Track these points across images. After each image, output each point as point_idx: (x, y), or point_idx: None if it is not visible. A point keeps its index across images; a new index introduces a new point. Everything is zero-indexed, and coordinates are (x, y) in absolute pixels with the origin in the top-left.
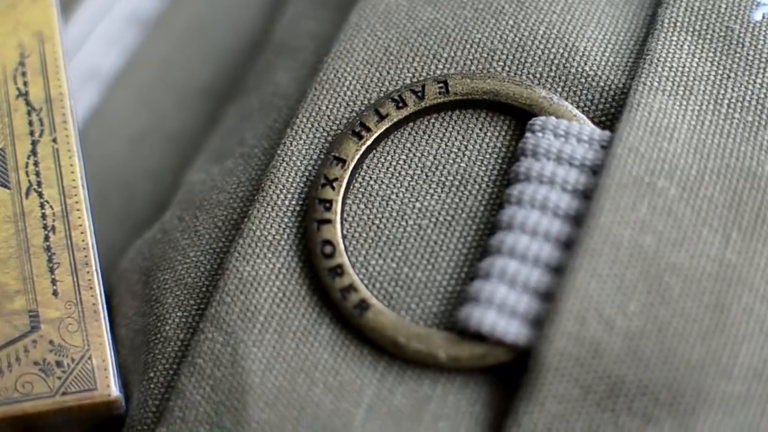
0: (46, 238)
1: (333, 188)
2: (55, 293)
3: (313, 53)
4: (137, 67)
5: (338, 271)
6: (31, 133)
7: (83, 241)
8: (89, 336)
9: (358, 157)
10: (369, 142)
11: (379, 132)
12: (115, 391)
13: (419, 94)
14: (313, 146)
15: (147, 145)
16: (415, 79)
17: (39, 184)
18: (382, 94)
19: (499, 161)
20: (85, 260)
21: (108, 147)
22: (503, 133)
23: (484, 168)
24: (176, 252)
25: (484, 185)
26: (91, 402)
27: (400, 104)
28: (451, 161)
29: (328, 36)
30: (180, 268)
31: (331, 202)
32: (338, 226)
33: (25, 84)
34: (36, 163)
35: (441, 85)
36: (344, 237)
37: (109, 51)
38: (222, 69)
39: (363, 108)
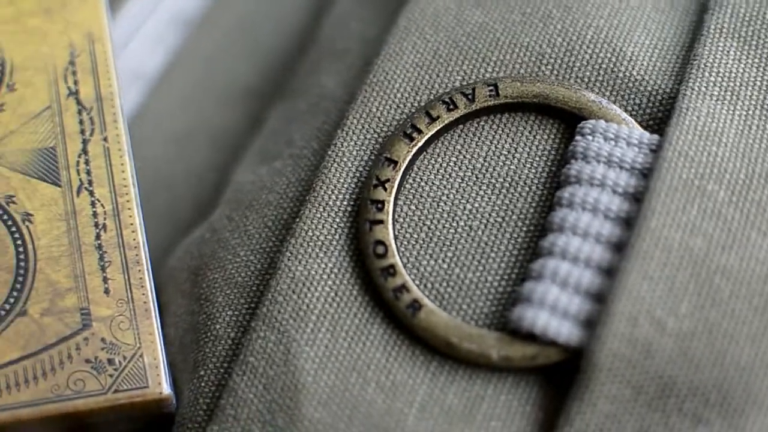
0: (98, 237)
1: (385, 189)
2: (106, 291)
3: (360, 55)
4: (181, 67)
5: (390, 271)
6: (82, 131)
7: (134, 239)
8: (141, 334)
9: (409, 158)
10: (420, 144)
11: (430, 134)
12: (166, 388)
13: (470, 96)
14: (363, 147)
15: (190, 145)
16: (464, 82)
17: (90, 182)
18: (431, 97)
19: (549, 164)
20: (136, 258)
21: (152, 147)
22: (552, 136)
23: (533, 170)
24: (226, 251)
25: (533, 187)
26: (143, 400)
27: (451, 106)
28: (500, 163)
29: (375, 38)
30: (230, 267)
31: (383, 202)
32: (390, 226)
33: (76, 83)
34: (87, 162)
35: (491, 87)
36: (395, 237)
37: (154, 51)
38: (265, 69)
39: (413, 110)
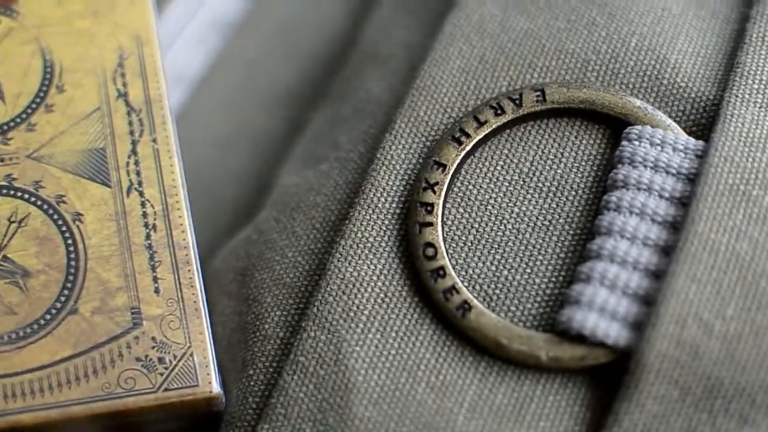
0: (148, 237)
1: (434, 192)
2: (156, 291)
3: (405, 60)
4: (222, 70)
5: (440, 272)
6: (131, 133)
7: (184, 239)
8: (191, 333)
9: (458, 162)
10: (468, 148)
11: (478, 138)
12: (216, 387)
13: (517, 101)
14: (411, 151)
15: (231, 148)
16: (510, 88)
17: (140, 183)
18: (478, 102)
19: (594, 168)
20: (186, 258)
21: (192, 149)
22: (598, 141)
23: (579, 174)
24: (274, 252)
25: (580, 191)
26: (193, 398)
27: (499, 111)
28: (547, 168)
29: (419, 43)
30: (278, 268)
31: (432, 205)
32: (439, 229)
33: (125, 85)
34: (137, 163)
35: (538, 93)
36: (444, 240)
37: (195, 54)
38: (305, 72)
39: (460, 114)
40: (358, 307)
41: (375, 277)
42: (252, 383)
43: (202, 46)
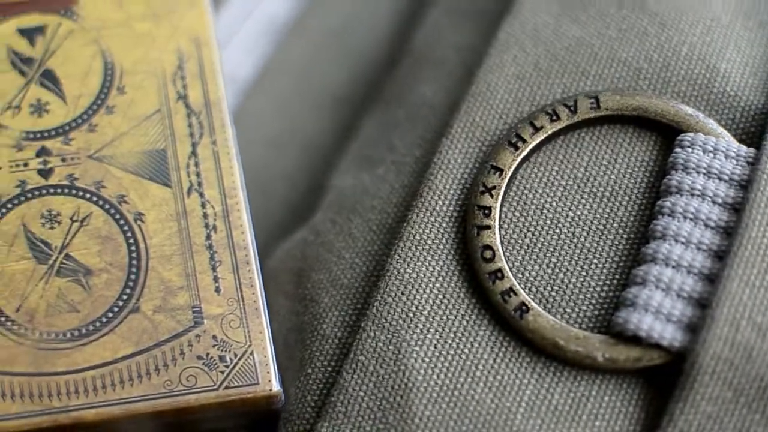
0: (208, 237)
1: (491, 196)
2: (217, 290)
3: (458, 65)
4: (274, 72)
5: (498, 275)
6: (191, 135)
7: (243, 240)
8: (251, 332)
9: (514, 166)
10: (524, 153)
11: (533, 143)
12: (276, 386)
13: (572, 108)
14: (467, 155)
15: (283, 149)
16: (564, 94)
17: (200, 184)
18: (533, 108)
19: (647, 174)
20: (246, 259)
21: (245, 151)
22: (650, 148)
23: (632, 180)
24: (331, 254)
25: (633, 196)
26: (253, 396)
27: (554, 117)
28: (601, 173)
29: (472, 48)
30: (335, 268)
31: (490, 209)
32: (497, 232)
33: (184, 87)
34: (197, 164)
35: (592, 100)
36: (501, 242)
37: (247, 57)
38: (354, 76)
39: (515, 120)
40: (417, 308)
41: (433, 279)
42: (310, 382)
43: (254, 48)
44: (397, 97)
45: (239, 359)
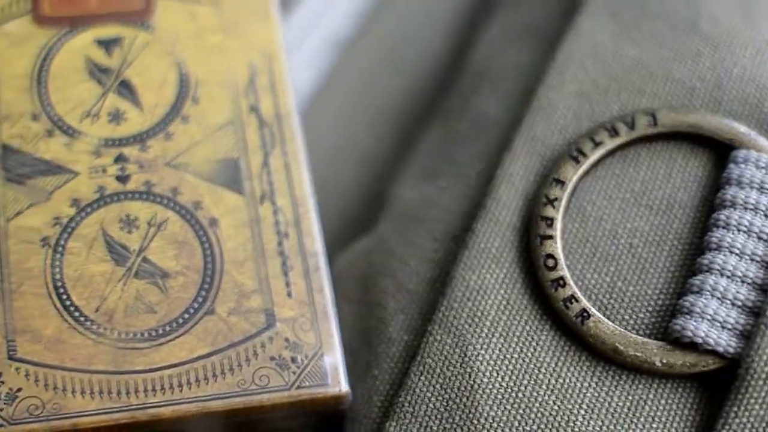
0: (280, 243)
1: (553, 207)
2: (289, 294)
3: (517, 81)
4: (332, 87)
5: (560, 282)
6: (263, 145)
7: (314, 247)
8: (321, 335)
9: (575, 179)
10: (585, 167)
11: (593, 157)
12: (345, 386)
13: (630, 124)
14: (529, 168)
15: (341, 161)
16: (622, 111)
17: (272, 193)
18: (592, 123)
19: (701, 188)
20: (316, 265)
21: None
22: (704, 164)
23: (687, 194)
24: (395, 261)
25: (687, 210)
26: (323, 396)
27: (613, 133)
28: (657, 187)
29: (530, 65)
30: (400, 276)
31: (552, 219)
32: (558, 241)
33: (256, 100)
34: (269, 174)
35: (650, 117)
36: (562, 252)
37: (307, 71)
38: (411, 90)
39: (575, 135)
40: (482, 313)
41: (497, 286)
42: (377, 383)
43: (314, 63)
44: (457, 111)
45: (310, 360)
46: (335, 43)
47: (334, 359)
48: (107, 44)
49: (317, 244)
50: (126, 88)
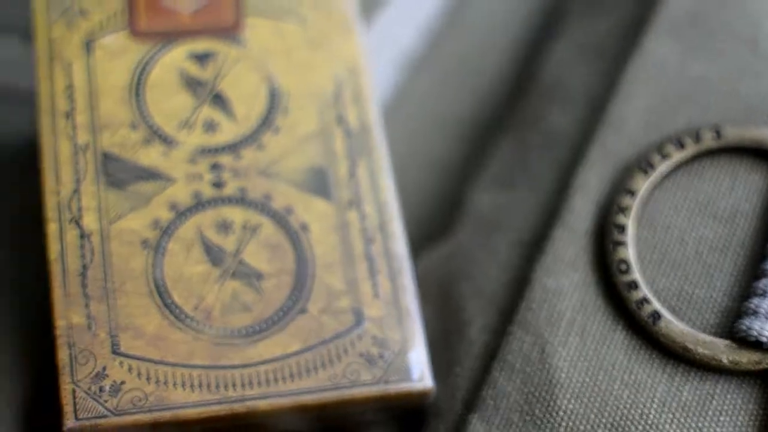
0: (367, 247)
1: (625, 215)
2: (376, 295)
3: (586, 96)
4: (405, 100)
5: (633, 285)
6: (350, 154)
7: (399, 250)
8: (407, 333)
9: (645, 189)
10: (654, 177)
11: (662, 169)
12: (430, 382)
13: (696, 138)
14: (601, 178)
15: (411, 171)
16: (688, 126)
17: (359, 199)
18: (661, 136)
19: (763, 199)
20: (401, 267)
21: None
22: (765, 176)
23: (750, 205)
24: (474, 266)
25: (750, 219)
26: (409, 391)
27: (679, 146)
28: (721, 198)
29: (598, 81)
30: (479, 279)
31: (624, 227)
32: (630, 247)
33: (343, 111)
34: (355, 181)
35: (714, 132)
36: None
37: (379, 86)
38: (479, 103)
39: (644, 147)
40: (559, 314)
41: (573, 288)
42: (459, 380)
43: (384, 79)
44: (529, 124)
45: (396, 357)
46: (406, 58)
47: (420, 356)
48: (201, 58)
49: (402, 247)
50: (220, 100)
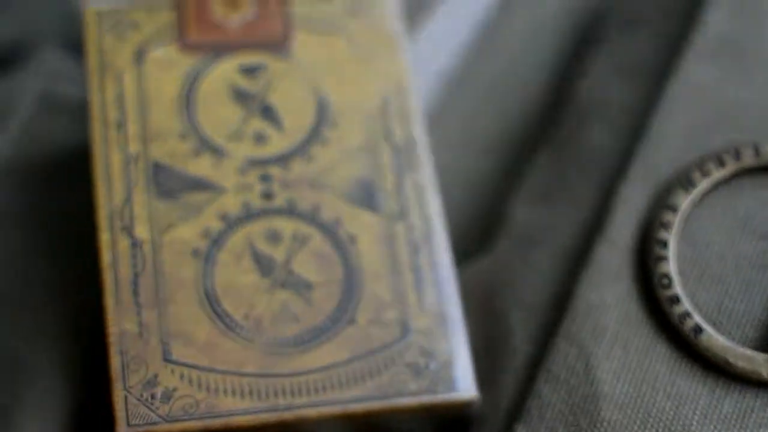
0: (413, 259)
1: (667, 231)
2: (422, 305)
3: (625, 115)
4: (443, 118)
5: (675, 300)
6: (396, 169)
7: (444, 262)
8: (452, 344)
9: (686, 205)
10: (694, 194)
11: (702, 186)
12: (475, 392)
13: (736, 156)
14: (643, 194)
15: (451, 186)
16: (727, 144)
17: (406, 212)
18: (701, 154)
19: None
20: (446, 279)
21: None
22: None
23: None
24: (516, 278)
25: None
26: (454, 401)
27: (719, 164)
28: (760, 214)
29: (636, 101)
30: (521, 291)
31: (666, 242)
32: (672, 262)
33: (389, 126)
34: (402, 195)
35: (754, 150)
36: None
37: (421, 102)
38: (516, 119)
39: (684, 165)
40: (602, 327)
41: (616, 302)
42: (502, 390)
43: (425, 97)
44: (567, 141)
45: (442, 367)
46: (445, 76)
47: (465, 366)
48: (250, 71)
49: (447, 259)
50: (269, 112)
